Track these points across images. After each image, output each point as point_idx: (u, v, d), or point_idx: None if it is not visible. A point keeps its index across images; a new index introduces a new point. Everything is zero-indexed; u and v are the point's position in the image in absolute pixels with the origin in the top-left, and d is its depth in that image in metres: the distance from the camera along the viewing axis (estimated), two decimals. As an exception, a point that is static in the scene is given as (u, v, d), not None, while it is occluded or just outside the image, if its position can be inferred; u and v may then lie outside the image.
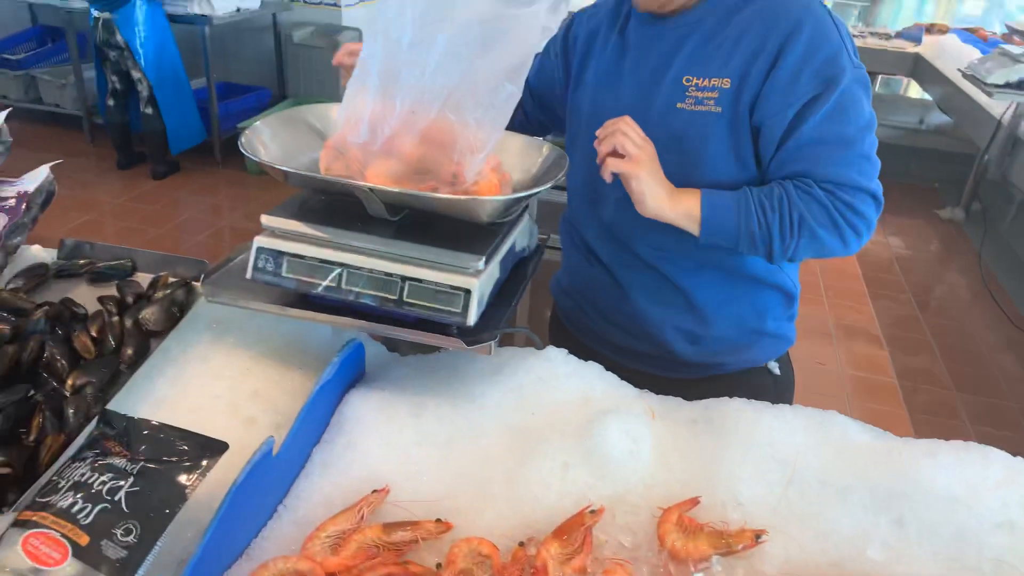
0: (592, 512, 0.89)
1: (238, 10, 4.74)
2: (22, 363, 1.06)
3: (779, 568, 0.86)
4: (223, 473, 0.82)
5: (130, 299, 1.23)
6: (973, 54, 4.58)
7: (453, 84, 0.97)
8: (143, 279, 1.31)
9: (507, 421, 1.06)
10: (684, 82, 1.13)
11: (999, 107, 4.06)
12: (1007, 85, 3.81)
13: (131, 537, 0.76)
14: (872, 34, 5.65)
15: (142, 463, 0.83)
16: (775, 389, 1.32)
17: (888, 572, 0.86)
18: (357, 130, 1.02)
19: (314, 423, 1.00)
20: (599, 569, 0.84)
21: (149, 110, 4.49)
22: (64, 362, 1.08)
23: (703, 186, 1.13)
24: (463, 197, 0.99)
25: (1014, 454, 0.99)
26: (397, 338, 1.06)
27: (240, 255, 1.16)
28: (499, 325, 1.05)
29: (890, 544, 0.89)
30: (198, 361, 1.12)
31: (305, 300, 1.07)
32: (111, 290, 1.27)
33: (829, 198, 1.07)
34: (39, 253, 1.37)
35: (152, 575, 0.75)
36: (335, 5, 5.17)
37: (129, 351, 1.11)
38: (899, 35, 5.62)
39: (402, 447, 1.01)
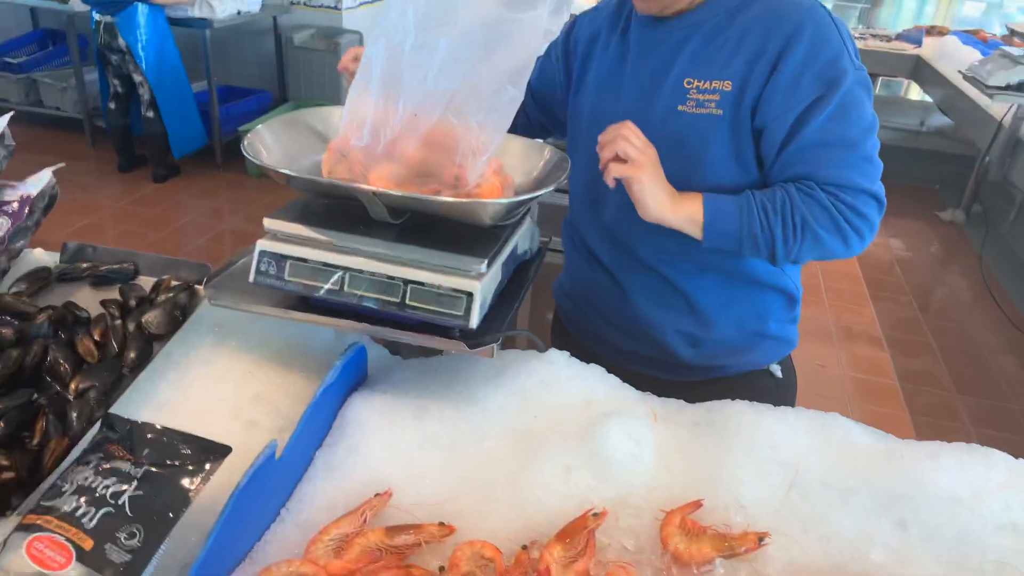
0: (595, 515, 0.89)
1: (239, 13, 4.74)
2: (25, 367, 1.06)
3: (782, 571, 0.86)
4: (226, 477, 0.83)
5: (132, 303, 1.23)
6: (973, 56, 4.58)
7: (455, 87, 0.97)
8: (145, 282, 1.31)
9: (509, 424, 1.06)
10: (685, 84, 1.13)
11: (1000, 109, 4.06)
12: (1008, 87, 3.81)
13: (135, 541, 0.76)
14: (873, 36, 5.65)
15: (146, 467, 0.83)
16: (777, 391, 1.32)
17: (890, 574, 0.86)
18: (359, 133, 1.02)
19: (317, 426, 1.01)
20: (602, 572, 0.84)
21: (150, 113, 4.49)
22: (67, 366, 1.08)
23: (704, 189, 1.13)
24: (465, 200, 0.99)
25: (1016, 456, 0.99)
26: (399, 341, 1.06)
27: (242, 258, 1.17)
28: (501, 328, 1.05)
29: (892, 546, 0.89)
30: (201, 364, 1.12)
31: (307, 303, 1.07)
32: (114, 294, 1.27)
33: (831, 200, 1.07)
34: (41, 257, 1.37)
35: (156, 579, 0.76)
36: (335, 8, 5.18)
37: (132, 355, 1.11)
38: (899, 37, 5.62)
39: (404, 450, 1.01)
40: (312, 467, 0.98)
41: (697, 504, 0.92)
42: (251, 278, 1.05)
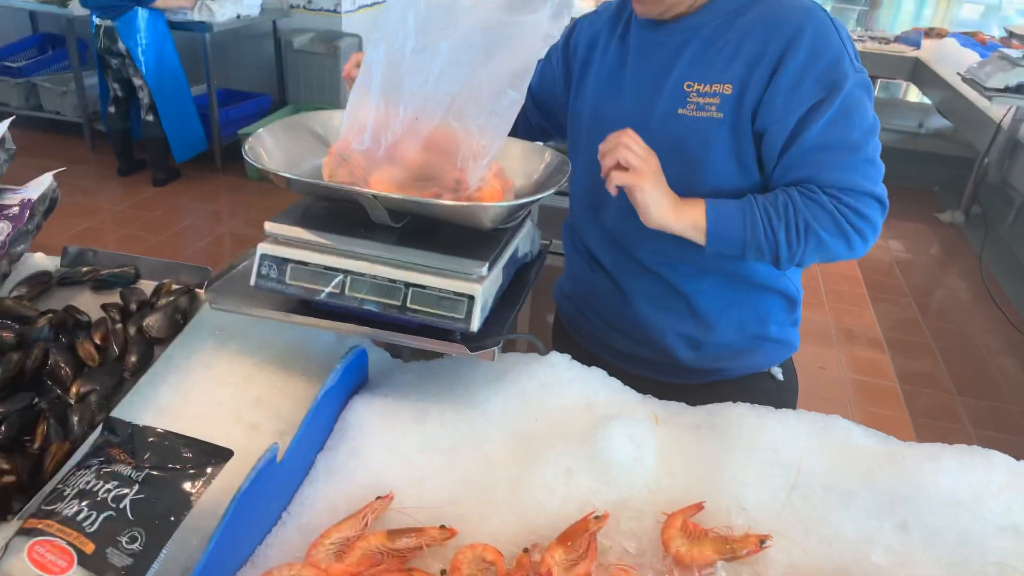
0: (596, 518, 0.89)
1: (238, 17, 4.75)
2: (26, 371, 1.06)
3: (783, 573, 0.86)
4: (227, 480, 0.82)
5: (133, 306, 1.23)
6: (972, 58, 4.59)
7: (456, 91, 0.97)
8: (146, 286, 1.31)
9: (510, 427, 1.06)
10: (685, 88, 1.13)
11: (999, 111, 4.07)
12: (1006, 89, 3.82)
13: (136, 545, 0.76)
14: (871, 38, 5.67)
15: (147, 470, 0.82)
16: (778, 394, 1.32)
17: (892, 577, 0.86)
18: (360, 137, 1.02)
19: (318, 430, 1.01)
20: (604, 575, 0.84)
21: (150, 117, 4.50)
22: (68, 370, 1.08)
23: (705, 192, 1.13)
24: (466, 203, 0.99)
25: (1017, 458, 0.99)
26: (400, 344, 1.06)
27: (243, 262, 1.17)
28: (502, 331, 1.05)
29: (894, 549, 0.89)
30: (202, 368, 1.12)
31: (308, 307, 1.07)
32: (114, 297, 1.27)
33: (834, 203, 1.07)
34: (42, 261, 1.37)
35: (157, 583, 0.75)
36: (335, 12, 5.19)
37: (133, 358, 1.11)
38: (898, 39, 5.64)
39: (406, 453, 1.01)
40: (313, 470, 0.98)
41: (698, 507, 0.92)
42: (252, 281, 1.05)
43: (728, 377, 1.31)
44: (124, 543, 0.76)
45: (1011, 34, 5.11)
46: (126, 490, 0.80)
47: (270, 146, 1.12)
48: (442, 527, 0.89)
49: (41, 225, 1.30)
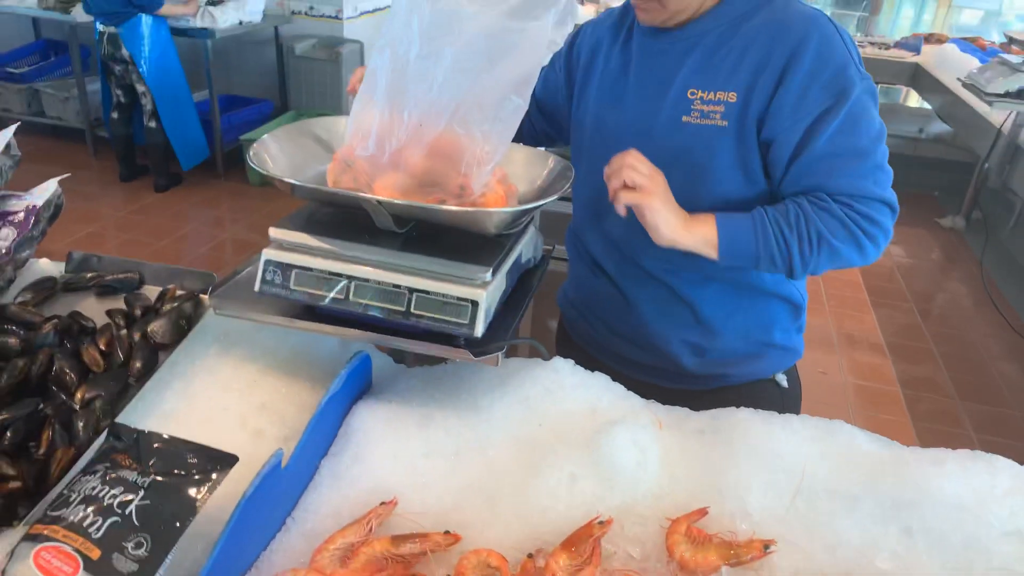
0: (600, 523, 0.89)
1: (240, 23, 4.77)
2: (31, 377, 1.07)
3: (788, 578, 0.86)
4: (232, 486, 0.83)
5: (138, 312, 1.24)
6: (972, 63, 4.60)
7: (460, 97, 0.97)
8: (151, 292, 1.32)
9: (514, 432, 1.06)
10: (689, 95, 1.13)
11: (999, 116, 4.08)
12: (1007, 94, 3.82)
13: (142, 551, 0.76)
14: (871, 44, 5.68)
15: (152, 476, 0.83)
16: (782, 402, 1.32)
17: (897, 582, 0.86)
18: (365, 143, 1.02)
19: (322, 435, 1.01)
20: (608, 580, 0.84)
21: (152, 123, 4.52)
22: (73, 375, 1.08)
23: (710, 200, 1.13)
24: (470, 209, 0.99)
25: (1021, 463, 0.99)
26: (404, 350, 1.07)
27: (247, 268, 1.17)
28: (506, 336, 1.05)
29: (899, 554, 0.89)
30: (206, 374, 1.13)
31: (312, 312, 1.07)
32: (119, 303, 1.27)
33: (845, 211, 1.07)
34: (47, 267, 1.38)
35: (163, 588, 0.76)
36: (336, 18, 5.20)
37: (137, 364, 1.11)
38: (898, 45, 5.65)
39: (409, 459, 1.01)
40: (317, 476, 0.98)
41: (703, 512, 0.92)
42: (256, 287, 1.05)
43: (732, 383, 1.31)
44: (130, 549, 0.76)
45: (1011, 39, 5.13)
46: (131, 496, 0.80)
47: (274, 152, 1.13)
48: (446, 532, 0.89)
49: (46, 231, 1.30)
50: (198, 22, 4.54)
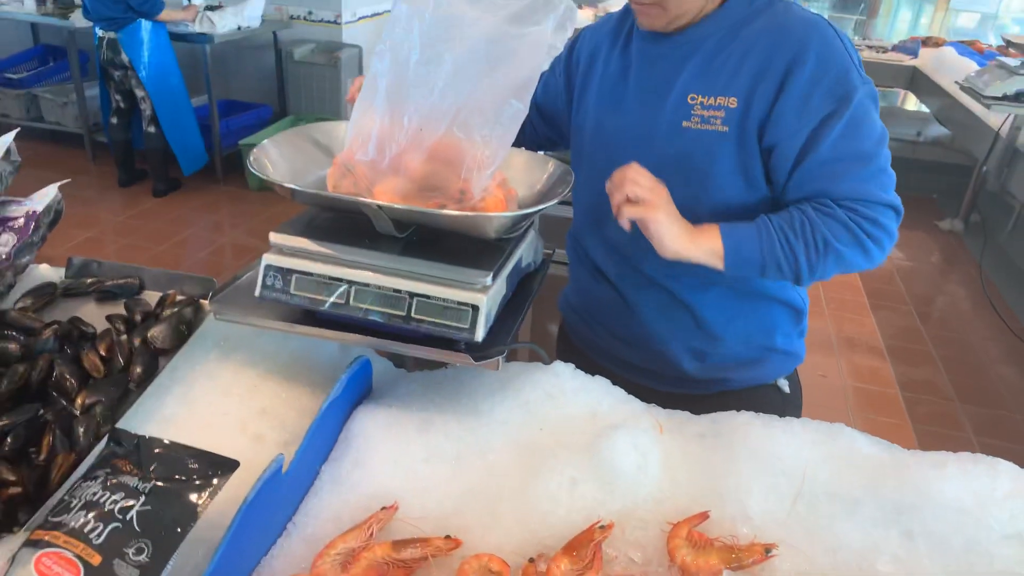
0: (601, 527, 0.89)
1: (239, 28, 4.78)
2: (31, 382, 1.06)
3: (790, 582, 0.86)
4: (233, 491, 0.82)
5: (138, 317, 1.24)
6: (970, 67, 4.61)
7: (460, 102, 0.98)
8: (151, 297, 1.32)
9: (515, 437, 1.06)
10: (689, 100, 1.13)
11: (997, 119, 4.09)
12: (1004, 97, 3.83)
13: (143, 556, 0.76)
14: (869, 47, 5.70)
15: (153, 482, 0.83)
16: (783, 407, 1.31)
17: (899, 585, 0.86)
18: (365, 148, 1.03)
19: (323, 440, 1.01)
20: (610, 585, 0.84)
21: (152, 129, 4.52)
22: (73, 381, 1.08)
23: (712, 205, 1.13)
24: (470, 214, 0.99)
25: (1020, 465, 0.99)
26: (404, 354, 1.07)
27: (247, 273, 1.17)
28: (506, 340, 1.05)
29: (900, 557, 0.89)
30: (206, 379, 1.13)
31: (313, 317, 1.07)
32: (119, 309, 1.27)
33: (850, 216, 1.06)
34: (47, 272, 1.38)
35: (164, 594, 0.75)
36: (335, 23, 5.22)
37: (138, 369, 1.11)
38: (895, 48, 5.67)
39: (410, 463, 1.01)
40: (318, 481, 0.98)
41: (704, 516, 0.92)
42: (257, 292, 1.05)
43: (733, 388, 1.31)
44: (131, 554, 0.76)
45: (1008, 43, 5.14)
46: (132, 501, 0.80)
47: (274, 157, 1.13)
48: (447, 537, 0.89)
49: (46, 237, 1.30)
50: (197, 27, 4.55)
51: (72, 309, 1.28)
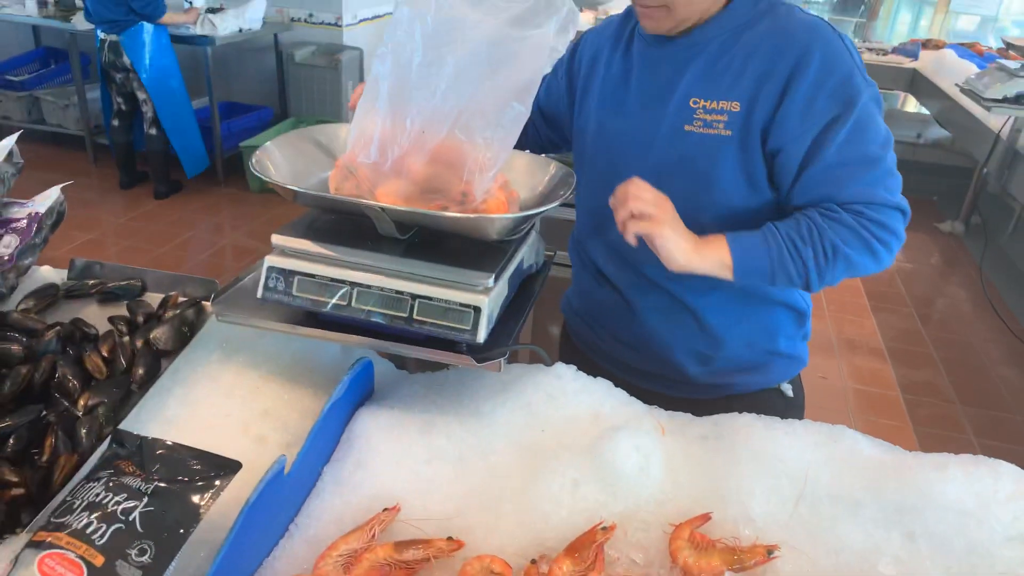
0: (604, 529, 0.89)
1: (240, 31, 4.78)
2: (34, 383, 1.07)
3: (792, 584, 0.86)
4: (235, 492, 0.83)
5: (140, 319, 1.24)
6: (970, 69, 4.62)
7: (463, 104, 0.98)
8: (153, 299, 1.32)
9: (516, 438, 1.06)
10: (691, 104, 1.13)
11: (997, 121, 4.09)
12: (1005, 99, 3.84)
13: (146, 557, 0.76)
14: (869, 49, 5.70)
15: (156, 483, 0.83)
16: (786, 412, 1.30)
17: (901, 587, 0.86)
18: (367, 150, 1.03)
19: (324, 441, 1.01)
20: (612, 586, 0.84)
21: (153, 131, 4.53)
22: (76, 382, 1.08)
23: (715, 209, 1.13)
24: (472, 215, 1.00)
25: (1022, 467, 0.99)
26: (406, 356, 1.07)
27: (249, 274, 1.17)
28: (508, 342, 1.05)
29: (902, 559, 0.89)
30: (208, 380, 1.13)
31: (314, 319, 1.07)
32: (121, 310, 1.28)
33: (856, 219, 1.06)
34: (49, 274, 1.38)
35: (167, 595, 0.76)
36: (336, 25, 5.22)
37: (140, 371, 1.12)
38: (896, 50, 5.67)
39: (412, 465, 1.01)
40: (320, 482, 0.98)
41: (706, 517, 0.92)
42: (259, 294, 1.06)
43: (736, 393, 1.30)
44: (134, 556, 0.76)
45: (1008, 45, 5.15)
46: (135, 502, 0.80)
47: (277, 159, 1.13)
48: (449, 539, 0.89)
49: (48, 238, 1.31)
50: (198, 29, 4.56)
51: (74, 311, 1.28)
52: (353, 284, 1.02)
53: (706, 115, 1.12)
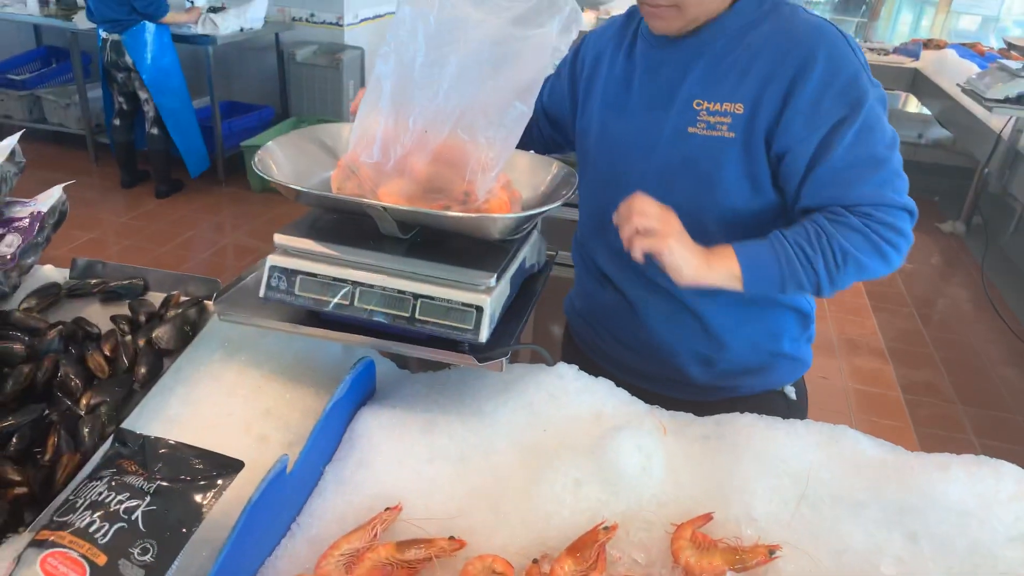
0: (605, 529, 0.89)
1: (241, 30, 4.79)
2: (37, 383, 1.07)
3: (794, 584, 0.86)
4: (237, 491, 0.83)
5: (142, 318, 1.24)
6: (971, 69, 4.62)
7: (465, 104, 0.98)
8: (155, 298, 1.32)
9: (518, 438, 1.06)
10: (695, 106, 1.12)
11: (999, 121, 4.09)
12: (1006, 100, 3.83)
13: (148, 556, 0.76)
14: (870, 49, 5.70)
15: (158, 482, 0.83)
16: (789, 415, 1.29)
17: (903, 587, 0.86)
18: (370, 150, 1.03)
19: (326, 441, 1.01)
20: (614, 586, 0.84)
21: (155, 130, 4.53)
22: (78, 381, 1.08)
23: (718, 211, 1.13)
24: (474, 215, 1.00)
25: (1023, 467, 0.99)
26: (408, 355, 1.07)
27: (251, 274, 1.17)
28: (510, 342, 1.05)
29: (904, 559, 0.89)
30: (210, 380, 1.13)
31: (316, 318, 1.08)
32: (123, 309, 1.28)
33: (864, 222, 1.05)
34: (51, 273, 1.38)
35: (169, 594, 0.76)
36: (337, 24, 5.22)
37: (142, 370, 1.12)
38: (897, 50, 5.67)
39: (414, 464, 1.01)
40: (322, 481, 0.98)
41: (708, 517, 0.92)
42: (261, 293, 1.06)
43: (739, 395, 1.29)
44: (136, 555, 0.76)
45: (1010, 45, 5.14)
46: (138, 501, 0.80)
47: (279, 158, 1.13)
48: (451, 538, 0.89)
49: (51, 238, 1.31)
50: (199, 29, 4.56)
51: (76, 310, 1.29)
52: (355, 283, 1.03)
53: (709, 117, 1.11)
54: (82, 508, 0.79)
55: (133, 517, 0.79)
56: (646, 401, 1.15)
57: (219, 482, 0.84)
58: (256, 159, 1.08)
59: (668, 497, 0.97)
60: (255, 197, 4.83)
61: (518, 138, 1.00)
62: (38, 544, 0.76)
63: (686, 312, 1.24)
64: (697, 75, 1.13)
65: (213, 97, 4.76)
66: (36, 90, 5.29)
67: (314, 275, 1.04)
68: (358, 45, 5.24)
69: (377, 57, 1.02)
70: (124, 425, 0.99)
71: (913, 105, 6.48)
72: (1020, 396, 3.33)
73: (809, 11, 1.13)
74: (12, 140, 1.28)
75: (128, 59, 4.29)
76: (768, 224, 1.15)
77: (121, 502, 0.80)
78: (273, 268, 1.05)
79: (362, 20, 5.39)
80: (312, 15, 5.25)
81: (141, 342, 1.17)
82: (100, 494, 0.81)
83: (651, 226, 1.01)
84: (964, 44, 5.66)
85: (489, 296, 1.00)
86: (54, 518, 0.80)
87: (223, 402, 1.09)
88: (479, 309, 0.99)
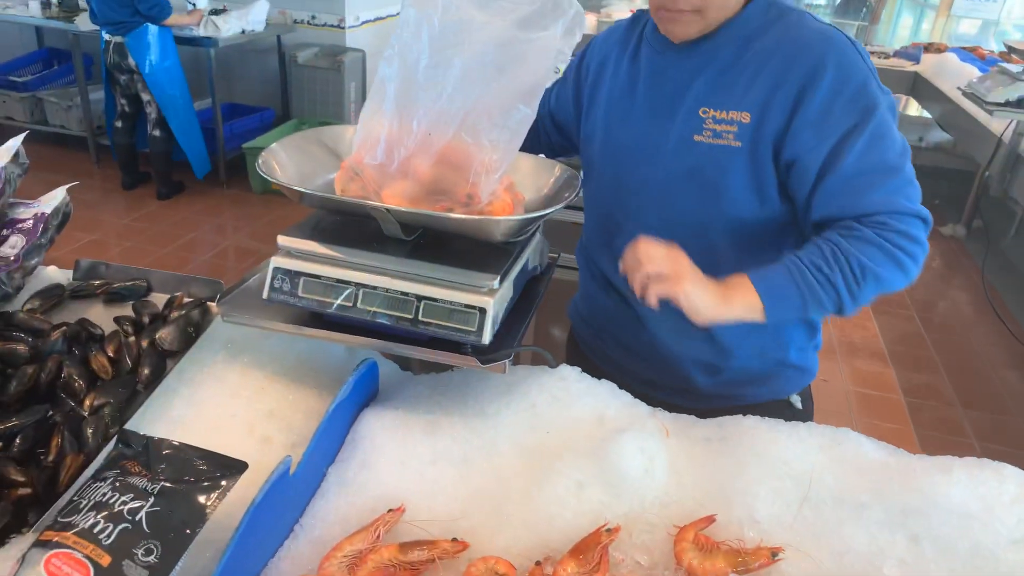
0: (608, 531, 0.89)
1: (243, 32, 4.79)
2: (40, 384, 1.07)
3: (796, 586, 0.86)
4: (241, 493, 0.83)
5: (146, 319, 1.24)
6: (972, 73, 4.62)
7: (469, 106, 0.98)
8: (158, 299, 1.32)
9: (521, 440, 1.06)
10: (701, 114, 1.10)
11: (999, 125, 4.09)
12: (1007, 103, 3.84)
13: (152, 557, 0.76)
14: (871, 53, 5.69)
15: (162, 483, 0.83)
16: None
17: (905, 589, 0.86)
18: (373, 151, 1.03)
19: (329, 442, 1.01)
20: (617, 587, 0.84)
21: (157, 132, 4.54)
22: (82, 382, 1.08)
23: (724, 220, 1.12)
24: (478, 217, 1.00)
25: (1025, 471, 0.99)
26: (411, 357, 1.07)
27: (254, 275, 1.18)
28: (512, 343, 1.06)
29: (906, 561, 0.89)
30: (214, 381, 1.13)
31: (319, 320, 1.08)
32: (127, 310, 1.28)
33: (879, 232, 1.02)
34: (54, 274, 1.38)
35: (173, 595, 0.76)
36: (339, 27, 5.23)
37: (146, 371, 1.12)
38: (897, 54, 5.67)
39: (417, 466, 1.01)
40: (325, 483, 0.99)
41: (710, 519, 0.92)
42: (265, 294, 1.06)
43: (744, 404, 1.26)
44: (140, 555, 0.76)
45: (1010, 49, 5.15)
46: (141, 502, 0.80)
47: (283, 160, 1.14)
48: (454, 540, 0.89)
49: (54, 239, 1.31)
50: (201, 31, 4.56)
51: (80, 311, 1.29)
52: (358, 285, 1.03)
53: (716, 125, 1.09)
54: (86, 509, 0.80)
55: (137, 518, 0.79)
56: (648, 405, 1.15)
57: (223, 483, 0.84)
58: (260, 161, 1.08)
59: (671, 499, 0.97)
60: (256, 199, 4.83)
61: (522, 140, 1.00)
62: (42, 545, 0.76)
63: (692, 320, 1.23)
64: (704, 82, 1.11)
65: (215, 99, 4.77)
66: (38, 92, 5.30)
67: (317, 277, 1.04)
68: (359, 47, 5.25)
69: (381, 59, 1.02)
70: (128, 426, 0.99)
71: (914, 109, 6.48)
72: (1021, 399, 3.32)
73: (816, 18, 1.11)
74: (16, 141, 1.28)
75: (131, 61, 4.30)
76: (775, 234, 1.14)
77: (125, 503, 0.80)
78: (277, 270, 1.05)
79: (363, 22, 5.40)
80: (313, 17, 5.26)
81: (144, 343, 1.17)
82: (104, 495, 0.81)
83: (662, 271, 0.98)
84: (964, 48, 5.66)
85: (492, 298, 1.00)
86: (58, 519, 0.80)
87: (226, 403, 1.10)
88: (482, 311, 0.99)
